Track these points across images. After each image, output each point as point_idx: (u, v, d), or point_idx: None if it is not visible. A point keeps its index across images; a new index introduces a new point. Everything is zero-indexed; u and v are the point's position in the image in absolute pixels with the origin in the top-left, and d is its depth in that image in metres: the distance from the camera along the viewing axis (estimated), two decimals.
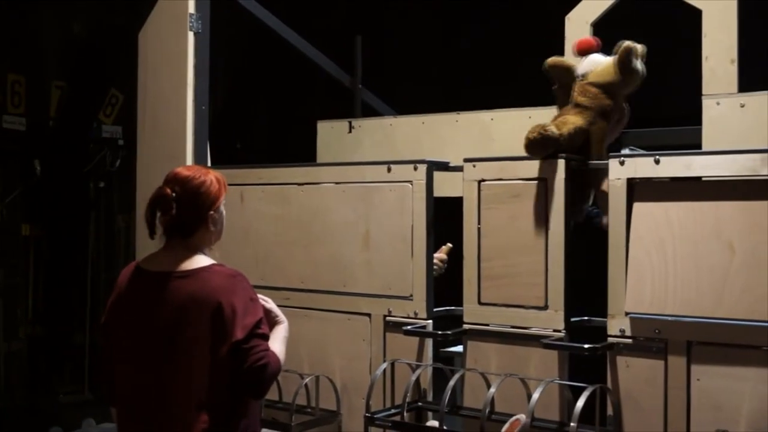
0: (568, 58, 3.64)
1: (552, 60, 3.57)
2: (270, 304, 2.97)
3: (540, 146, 3.25)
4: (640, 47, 3.42)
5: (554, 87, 3.58)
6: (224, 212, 2.93)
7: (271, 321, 2.92)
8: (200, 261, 2.82)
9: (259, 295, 2.91)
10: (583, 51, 3.57)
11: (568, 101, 3.49)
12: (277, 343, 2.85)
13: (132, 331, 2.82)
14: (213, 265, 2.82)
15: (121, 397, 2.85)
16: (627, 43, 3.39)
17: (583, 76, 3.49)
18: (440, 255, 4.07)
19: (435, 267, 4.03)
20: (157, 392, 2.75)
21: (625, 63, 3.37)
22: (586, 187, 3.44)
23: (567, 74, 3.53)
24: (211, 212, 2.85)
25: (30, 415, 6.55)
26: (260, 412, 2.97)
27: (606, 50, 3.55)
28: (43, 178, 6.77)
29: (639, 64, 3.40)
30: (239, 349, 2.67)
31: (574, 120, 3.37)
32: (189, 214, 2.81)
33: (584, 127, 3.38)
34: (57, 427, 6.02)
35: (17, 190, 6.70)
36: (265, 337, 2.75)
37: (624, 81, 3.41)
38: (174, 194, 2.80)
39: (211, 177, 2.87)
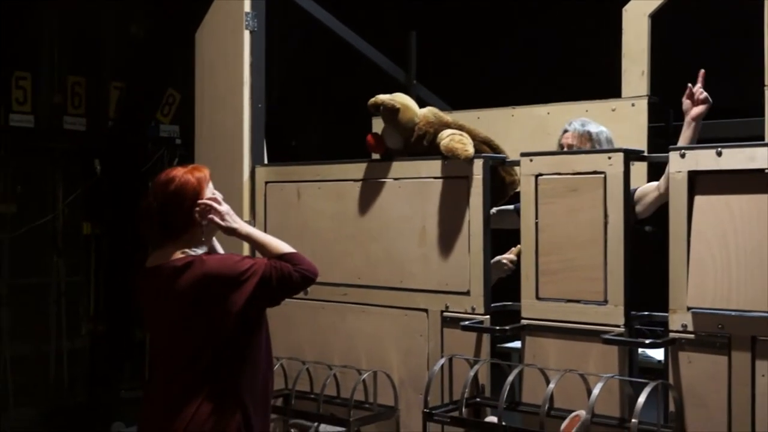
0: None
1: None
2: (221, 206, 2.97)
3: None
4: (378, 98, 3.78)
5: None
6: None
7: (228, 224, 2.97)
8: (188, 254, 2.89)
9: (211, 198, 2.95)
10: (379, 147, 3.87)
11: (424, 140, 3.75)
12: (270, 242, 2.98)
13: (152, 325, 3.00)
14: (196, 256, 2.88)
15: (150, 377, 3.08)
16: (376, 99, 3.77)
17: (404, 143, 3.78)
18: (510, 256, 4.04)
19: (505, 267, 4.02)
20: (168, 376, 2.90)
21: (391, 108, 3.73)
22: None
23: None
24: (196, 208, 2.91)
25: (92, 411, 6.66)
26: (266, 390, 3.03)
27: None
28: (103, 178, 6.88)
29: (398, 98, 3.79)
30: (267, 289, 2.82)
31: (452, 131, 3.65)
32: (174, 217, 2.90)
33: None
34: (119, 423, 6.11)
35: (78, 190, 6.82)
36: (258, 267, 2.83)
37: (408, 112, 3.75)
38: (155, 203, 2.91)
39: (188, 176, 2.93)
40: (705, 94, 3.55)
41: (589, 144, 3.75)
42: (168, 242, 2.92)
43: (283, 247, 2.97)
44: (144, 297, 2.99)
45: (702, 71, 3.58)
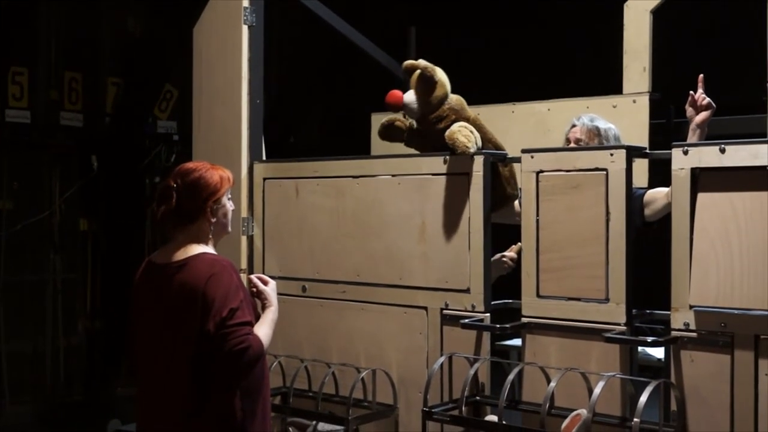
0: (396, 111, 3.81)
1: (381, 130, 3.87)
2: (264, 286, 3.07)
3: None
4: (421, 62, 3.69)
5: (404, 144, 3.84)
6: (229, 207, 3.04)
7: (262, 303, 3.05)
8: (193, 250, 2.94)
9: (258, 275, 3.10)
10: (398, 103, 3.72)
11: (426, 140, 3.71)
12: (263, 326, 2.94)
13: (142, 320, 3.00)
14: (202, 253, 2.93)
15: (138, 378, 3.05)
16: (420, 62, 3.68)
17: (423, 113, 3.69)
18: (510, 254, 4.02)
19: (505, 266, 4.00)
20: (157, 378, 2.93)
21: (429, 78, 3.65)
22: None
23: (401, 132, 3.80)
24: (210, 203, 2.95)
25: (89, 408, 6.62)
26: (263, 393, 3.00)
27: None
28: (100, 174, 6.84)
29: (438, 72, 3.69)
30: (218, 334, 2.77)
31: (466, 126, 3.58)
32: (187, 204, 2.94)
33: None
34: (116, 420, 6.08)
35: (75, 186, 6.78)
36: (244, 323, 2.82)
37: (443, 88, 3.68)
38: (175, 185, 2.94)
39: (213, 171, 2.99)
40: (708, 99, 3.53)
41: (597, 139, 3.72)
42: (177, 231, 2.97)
43: (266, 338, 2.91)
44: (143, 292, 3.00)
45: (701, 76, 3.56)
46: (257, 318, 2.96)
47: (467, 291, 3.52)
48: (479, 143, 3.55)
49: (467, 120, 3.66)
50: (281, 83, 7.43)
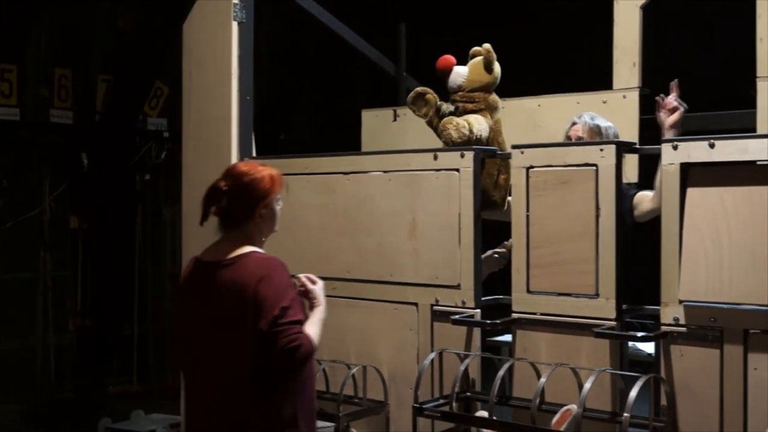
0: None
1: (412, 95, 3.77)
2: (313, 285, 3.06)
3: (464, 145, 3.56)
4: (486, 45, 3.74)
5: (426, 120, 3.77)
6: (278, 207, 3.01)
7: (311, 303, 3.03)
8: (243, 249, 2.92)
9: (307, 276, 3.07)
10: (447, 68, 3.74)
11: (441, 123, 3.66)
12: (313, 324, 2.93)
13: (189, 316, 2.98)
14: (253, 252, 2.92)
15: (184, 375, 3.07)
16: (486, 45, 3.72)
17: (460, 87, 3.69)
18: (501, 250, 4.02)
19: (501, 261, 4.00)
20: (205, 375, 2.91)
21: (489, 63, 3.69)
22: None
23: (427, 106, 3.73)
24: (260, 207, 2.93)
25: (79, 406, 6.62)
26: (309, 390, 3.00)
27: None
28: (90, 171, 6.83)
29: (497, 65, 3.73)
30: (270, 332, 2.76)
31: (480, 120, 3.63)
32: (238, 208, 2.93)
33: (490, 124, 3.65)
34: (106, 419, 6.07)
35: (65, 184, 6.77)
36: (295, 322, 2.81)
37: (493, 78, 3.71)
38: (225, 188, 2.92)
39: (264, 174, 2.95)
40: (674, 103, 3.56)
41: (598, 138, 3.74)
42: (227, 231, 2.95)
43: (316, 337, 2.92)
44: (190, 289, 2.99)
45: (674, 81, 3.60)
46: (306, 317, 2.96)
47: (458, 287, 3.52)
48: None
49: (488, 117, 3.67)
50: (272, 80, 7.43)
